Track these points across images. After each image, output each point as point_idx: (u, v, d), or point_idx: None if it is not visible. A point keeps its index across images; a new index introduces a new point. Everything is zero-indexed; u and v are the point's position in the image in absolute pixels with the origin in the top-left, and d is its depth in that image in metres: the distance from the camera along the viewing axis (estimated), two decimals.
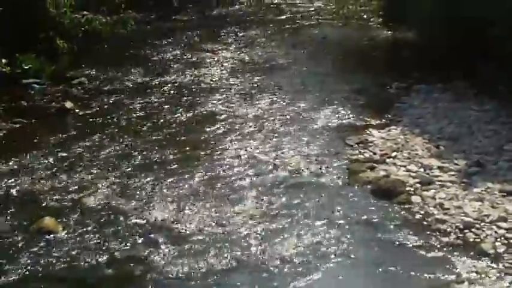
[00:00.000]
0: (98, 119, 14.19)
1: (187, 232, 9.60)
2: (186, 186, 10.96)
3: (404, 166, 11.25)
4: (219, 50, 19.81)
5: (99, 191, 10.85)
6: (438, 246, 9.06)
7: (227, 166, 11.64)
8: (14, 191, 10.97)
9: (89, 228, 9.75)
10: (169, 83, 16.53)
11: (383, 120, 13.55)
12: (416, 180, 10.70)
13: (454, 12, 14.79)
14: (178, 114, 14.27)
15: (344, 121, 13.61)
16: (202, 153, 12.27)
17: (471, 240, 9.12)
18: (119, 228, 9.78)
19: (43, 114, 14.53)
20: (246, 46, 20.26)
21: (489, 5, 13.88)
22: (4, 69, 15.82)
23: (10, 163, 11.95)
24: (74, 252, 9.19)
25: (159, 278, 8.69)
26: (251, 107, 14.56)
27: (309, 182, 10.99)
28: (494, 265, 8.60)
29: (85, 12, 19.72)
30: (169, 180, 11.16)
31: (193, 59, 18.78)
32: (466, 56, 14.82)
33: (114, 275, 8.82)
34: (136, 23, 21.16)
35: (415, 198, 10.20)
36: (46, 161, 12.00)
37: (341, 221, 9.74)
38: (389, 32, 20.84)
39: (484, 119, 13.05)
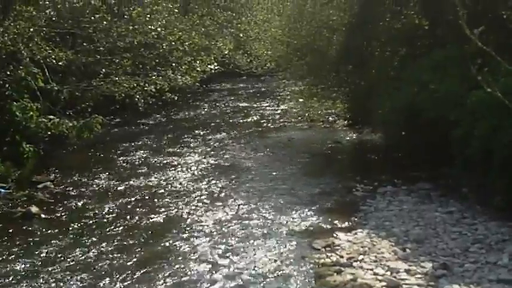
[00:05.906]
0: (63, 224, 14.08)
1: None
2: None
3: (371, 269, 11.21)
4: (185, 153, 19.95)
5: None
6: None
7: (193, 271, 11.52)
8: None
9: None
10: (135, 188, 16.54)
11: (349, 223, 13.60)
12: (384, 283, 10.64)
13: (417, 114, 15.01)
14: (144, 219, 14.20)
15: (311, 224, 13.62)
16: (167, 258, 12.16)
17: None
18: None
19: (8, 219, 14.42)
20: (212, 149, 20.45)
21: (452, 107, 14.10)
22: None
23: None
24: None
25: None
26: (217, 211, 14.55)
27: (277, 287, 10.88)
28: None
29: (51, 117, 19.75)
30: (135, 286, 11.01)
31: (159, 163, 18.89)
32: (430, 157, 15.03)
33: None
34: (102, 127, 21.20)
35: None
36: (11, 267, 11.81)
37: None
38: (355, 134, 21.17)
39: (449, 221, 13.14)
